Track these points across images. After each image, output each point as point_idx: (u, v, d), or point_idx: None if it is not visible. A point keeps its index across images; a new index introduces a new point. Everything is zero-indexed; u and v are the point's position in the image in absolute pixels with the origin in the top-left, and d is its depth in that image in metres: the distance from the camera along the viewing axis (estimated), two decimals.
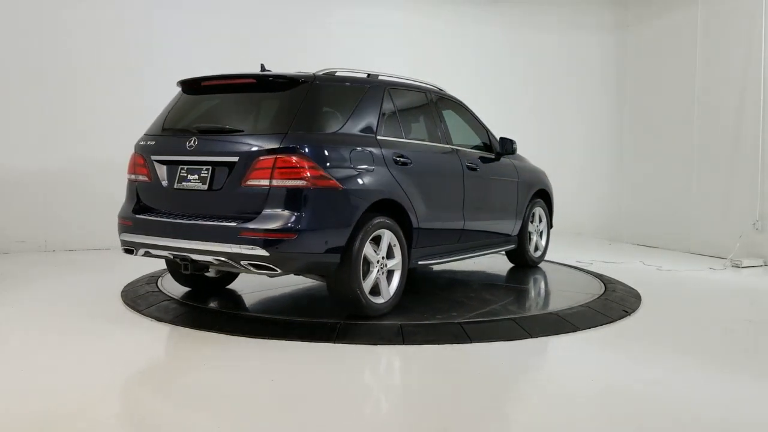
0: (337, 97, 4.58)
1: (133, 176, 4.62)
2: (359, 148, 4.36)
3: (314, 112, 4.31)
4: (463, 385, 3.23)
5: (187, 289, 5.09)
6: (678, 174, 8.79)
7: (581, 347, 3.91)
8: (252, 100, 4.69)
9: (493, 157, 5.93)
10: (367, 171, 4.34)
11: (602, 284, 5.69)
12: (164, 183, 4.41)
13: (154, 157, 4.47)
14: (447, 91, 5.93)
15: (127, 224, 4.50)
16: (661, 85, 9.24)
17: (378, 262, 4.35)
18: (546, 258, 7.29)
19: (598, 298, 5.11)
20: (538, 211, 6.73)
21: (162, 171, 4.43)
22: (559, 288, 5.67)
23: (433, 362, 3.56)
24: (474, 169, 5.53)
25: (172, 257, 4.38)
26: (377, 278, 4.35)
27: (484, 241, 5.84)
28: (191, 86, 4.76)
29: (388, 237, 4.42)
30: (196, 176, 4.25)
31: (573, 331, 4.18)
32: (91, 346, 3.80)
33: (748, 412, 2.91)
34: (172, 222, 4.26)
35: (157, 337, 4.03)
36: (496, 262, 6.74)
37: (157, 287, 5.24)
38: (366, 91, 4.69)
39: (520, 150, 6.71)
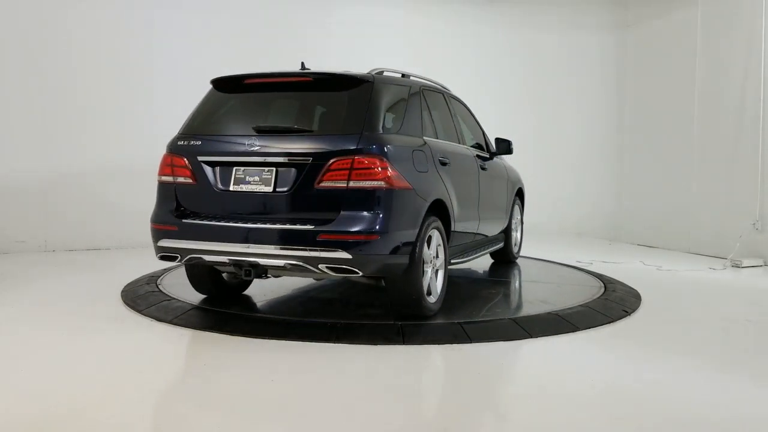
0: (393, 98, 4.52)
1: (169, 178, 4.34)
2: (417, 149, 4.37)
3: (379, 112, 4.23)
4: (463, 385, 3.23)
5: (181, 289, 5.07)
6: (678, 174, 8.79)
7: (581, 347, 3.91)
8: (308, 99, 4.61)
9: (488, 156, 5.97)
10: (425, 172, 4.37)
11: (602, 284, 5.69)
12: (215, 185, 4.19)
13: (201, 158, 4.23)
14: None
15: (171, 229, 4.22)
16: (661, 85, 9.24)
17: (430, 261, 4.36)
18: (546, 258, 7.30)
19: (598, 298, 5.11)
20: (516, 208, 6.90)
21: (211, 173, 4.21)
22: (559, 288, 5.67)
23: (433, 362, 3.56)
24: (485, 169, 5.66)
25: (230, 262, 4.12)
26: (430, 278, 4.36)
27: (487, 239, 5.91)
28: (231, 84, 4.55)
29: (436, 237, 4.44)
30: (256, 178, 4.09)
31: (573, 331, 4.18)
32: (91, 346, 3.80)
33: (748, 411, 2.91)
34: (234, 226, 4.05)
35: (156, 337, 4.03)
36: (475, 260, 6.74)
37: (157, 287, 5.24)
38: (409, 91, 4.69)
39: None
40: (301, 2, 9.04)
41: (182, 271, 6.20)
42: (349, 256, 3.83)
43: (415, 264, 4.13)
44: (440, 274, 4.53)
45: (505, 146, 6.09)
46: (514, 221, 6.78)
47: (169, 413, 2.82)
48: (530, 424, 2.74)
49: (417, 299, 4.21)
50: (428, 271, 4.33)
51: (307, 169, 3.97)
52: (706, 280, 6.40)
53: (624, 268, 6.96)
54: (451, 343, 3.86)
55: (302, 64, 4.87)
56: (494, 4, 10.09)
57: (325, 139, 4.10)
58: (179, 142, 4.38)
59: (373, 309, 4.76)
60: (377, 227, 3.89)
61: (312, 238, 3.87)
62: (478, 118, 6.23)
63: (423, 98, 4.86)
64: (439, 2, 9.84)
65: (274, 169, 4.06)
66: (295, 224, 3.95)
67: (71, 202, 7.88)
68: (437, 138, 4.88)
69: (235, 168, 4.16)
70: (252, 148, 4.10)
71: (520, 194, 6.98)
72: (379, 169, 3.92)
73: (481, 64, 10.05)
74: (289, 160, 4.03)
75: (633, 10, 9.94)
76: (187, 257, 4.19)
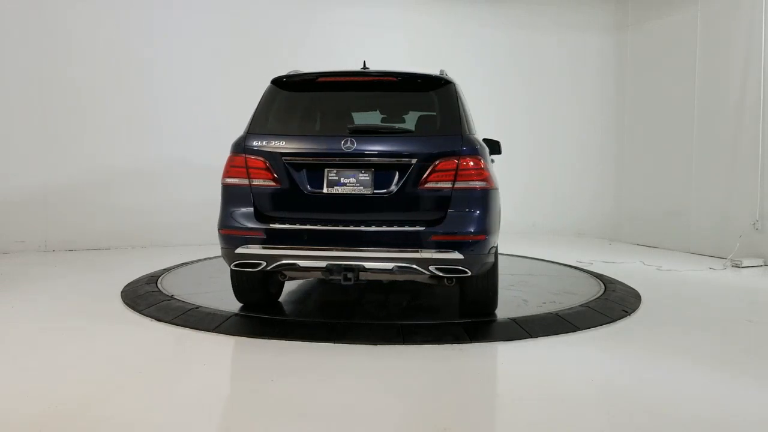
0: (464, 99, 4.51)
1: (243, 181, 4.06)
2: (488, 149, 4.40)
3: (464, 113, 4.25)
4: (463, 385, 3.23)
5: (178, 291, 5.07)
6: (678, 174, 8.79)
7: (581, 347, 3.90)
8: (390, 99, 4.57)
9: None
10: (493, 172, 4.42)
11: (602, 284, 5.69)
12: (304, 188, 3.98)
13: (287, 159, 4.00)
14: None
15: (255, 236, 3.97)
16: (661, 85, 9.24)
17: None
18: (546, 258, 7.30)
19: (598, 298, 5.11)
20: None
21: (299, 175, 4.00)
22: (559, 288, 5.66)
23: (433, 362, 3.56)
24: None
25: (327, 268, 3.94)
26: None
27: None
28: (300, 83, 4.38)
29: None
30: (352, 179, 3.95)
31: (573, 331, 4.18)
32: (90, 346, 3.80)
33: (748, 411, 2.90)
34: (336, 230, 3.92)
35: (156, 337, 4.03)
36: None
37: (157, 287, 5.25)
38: (461, 92, 4.70)
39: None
40: (301, 2, 9.04)
41: (182, 271, 6.22)
42: (462, 257, 3.84)
43: (497, 262, 4.22)
44: None
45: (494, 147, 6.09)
46: None
47: (168, 413, 2.82)
48: (530, 424, 2.74)
49: (493, 296, 4.33)
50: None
51: (411, 170, 3.92)
52: (706, 280, 6.40)
53: (624, 268, 6.96)
54: (451, 343, 3.86)
55: (364, 63, 4.80)
56: (494, 4, 10.09)
57: (427, 139, 4.08)
58: (255, 142, 4.09)
59: (373, 309, 4.76)
60: (484, 227, 3.95)
61: (423, 239, 3.85)
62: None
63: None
64: (439, 2, 9.84)
65: (372, 170, 3.96)
66: (403, 226, 3.89)
67: (71, 202, 7.88)
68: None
69: (327, 169, 3.98)
70: (349, 149, 3.95)
71: None
72: (481, 169, 3.97)
73: (480, 64, 10.05)
74: (391, 161, 3.96)
75: (633, 11, 9.94)
76: (276, 264, 3.94)
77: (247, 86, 8.66)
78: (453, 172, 3.90)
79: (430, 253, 3.82)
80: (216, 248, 7.99)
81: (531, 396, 3.11)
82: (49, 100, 7.76)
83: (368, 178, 3.96)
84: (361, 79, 4.38)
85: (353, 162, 3.97)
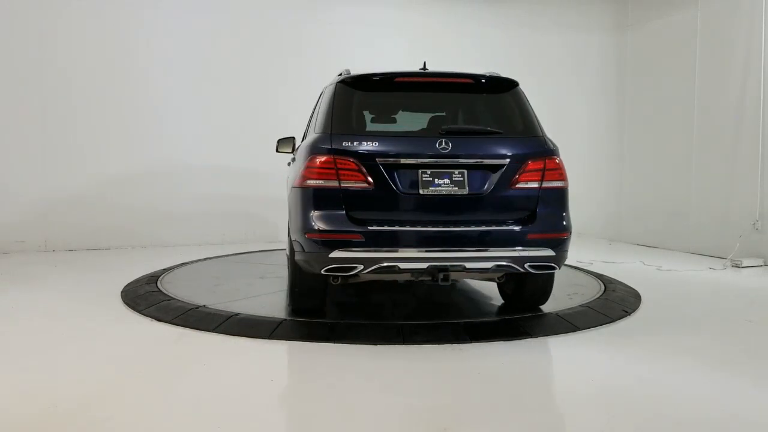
0: None
1: (332, 183, 3.89)
2: None
3: (535, 114, 4.37)
4: (463, 385, 3.23)
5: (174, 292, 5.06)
6: (678, 174, 8.79)
7: (581, 347, 3.90)
8: (467, 101, 4.62)
9: None
10: None
11: (602, 284, 5.69)
12: (399, 189, 3.92)
13: (381, 161, 3.91)
14: None
15: (353, 238, 3.82)
16: (661, 85, 9.24)
17: None
18: None
19: (598, 298, 5.11)
20: None
21: (392, 176, 3.92)
22: (559, 288, 5.66)
23: (433, 362, 3.56)
24: None
25: (428, 269, 3.91)
26: None
27: None
28: (374, 83, 4.33)
29: None
30: (447, 180, 3.96)
31: (573, 331, 4.18)
32: (90, 346, 3.80)
33: (748, 411, 2.90)
34: (437, 231, 3.91)
35: (156, 336, 4.03)
36: None
37: (157, 287, 5.25)
38: None
39: None
40: (301, 2, 9.04)
41: (182, 271, 6.21)
42: (554, 254, 4.00)
43: None
44: None
45: None
46: None
47: (168, 413, 2.82)
48: (530, 424, 2.74)
49: (550, 291, 4.53)
50: None
51: (504, 170, 4.01)
52: (706, 280, 6.40)
53: (624, 268, 6.96)
54: (451, 343, 3.86)
55: (424, 63, 4.79)
56: (494, 4, 10.09)
57: (517, 141, 4.18)
58: (345, 143, 3.95)
59: (373, 309, 4.76)
60: (568, 224, 4.13)
61: (521, 238, 3.96)
62: None
63: None
64: (439, 2, 9.84)
65: (465, 171, 3.99)
66: (500, 225, 4.01)
67: (71, 202, 7.88)
68: None
69: (420, 170, 3.95)
70: (444, 150, 3.96)
71: None
72: (562, 169, 4.15)
73: (480, 65, 10.02)
74: (485, 162, 4.03)
75: (633, 11, 9.94)
76: (375, 267, 3.83)
77: (247, 86, 8.69)
78: (540, 173, 4.06)
79: (528, 251, 3.96)
80: (216, 248, 8.00)
81: (531, 396, 3.11)
82: (48, 101, 7.76)
83: (462, 179, 3.99)
84: (437, 80, 4.42)
85: (448, 163, 3.99)
